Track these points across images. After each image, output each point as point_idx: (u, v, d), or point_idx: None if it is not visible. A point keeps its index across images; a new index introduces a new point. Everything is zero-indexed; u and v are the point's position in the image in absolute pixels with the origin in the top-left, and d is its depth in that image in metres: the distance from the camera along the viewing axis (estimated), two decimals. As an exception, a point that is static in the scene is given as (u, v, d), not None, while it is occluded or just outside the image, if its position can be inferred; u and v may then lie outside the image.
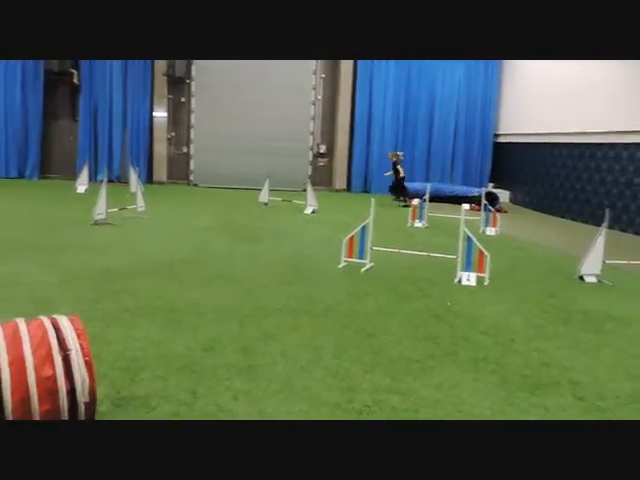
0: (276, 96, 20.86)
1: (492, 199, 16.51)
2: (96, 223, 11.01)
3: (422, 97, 21.48)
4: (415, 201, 14.32)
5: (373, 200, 8.38)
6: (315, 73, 21.48)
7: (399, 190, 18.33)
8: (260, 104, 20.80)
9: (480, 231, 12.44)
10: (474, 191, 18.37)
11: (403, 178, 18.26)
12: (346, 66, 21.19)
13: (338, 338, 5.44)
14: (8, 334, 3.11)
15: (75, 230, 10.45)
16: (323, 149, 21.88)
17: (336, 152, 21.79)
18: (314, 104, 21.64)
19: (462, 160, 21.89)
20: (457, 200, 17.38)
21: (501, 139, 21.50)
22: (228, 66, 20.52)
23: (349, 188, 21.75)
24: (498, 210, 14.90)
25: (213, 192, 19.28)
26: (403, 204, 17.37)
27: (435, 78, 21.46)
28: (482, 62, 21.35)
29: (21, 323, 3.22)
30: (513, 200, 19.91)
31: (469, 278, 7.92)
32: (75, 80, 19.93)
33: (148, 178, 20.09)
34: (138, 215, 12.33)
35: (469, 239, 7.96)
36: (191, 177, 21.32)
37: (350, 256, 8.62)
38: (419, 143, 21.68)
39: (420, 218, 13.46)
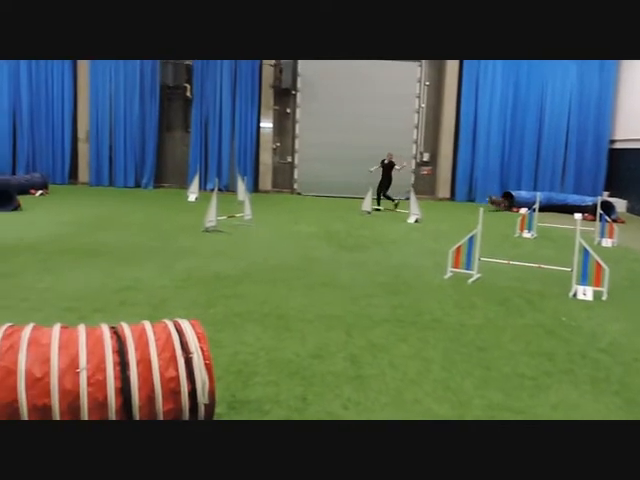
0: (380, 105, 20.90)
1: (607, 208, 15.60)
2: (207, 230, 11.47)
3: (531, 102, 20.73)
4: (523, 210, 13.82)
5: (482, 210, 8.16)
6: (420, 81, 21.31)
7: (382, 190, 17.28)
8: (364, 114, 20.93)
9: (595, 242, 11.78)
10: (587, 200, 17.47)
11: (389, 180, 17.29)
12: (451, 72, 20.85)
13: (447, 351, 5.33)
14: (136, 335, 3.29)
15: (187, 237, 10.94)
16: (426, 157, 21.63)
17: (439, 160, 21.46)
18: (418, 112, 21.47)
19: (574, 167, 20.90)
20: (568, 210, 16.62)
21: (617, 145, 20.31)
22: (333, 77, 20.87)
23: (453, 197, 21.34)
24: (615, 220, 14.05)
25: (316, 200, 19.55)
26: (392, 205, 16.73)
27: (545, 81, 20.66)
28: (596, 63, 20.31)
29: (147, 325, 3.39)
30: (631, 210, 18.71)
31: (585, 292, 7.51)
32: (188, 93, 20.95)
33: (254, 187, 20.70)
34: (245, 223, 12.72)
35: (585, 251, 7.56)
36: (295, 186, 21.74)
37: (457, 266, 8.43)
38: (527, 150, 20.93)
39: (529, 228, 12.95)
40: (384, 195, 17.10)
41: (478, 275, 8.28)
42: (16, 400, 3.02)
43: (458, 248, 8.42)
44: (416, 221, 14.52)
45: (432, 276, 8.44)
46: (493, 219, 14.92)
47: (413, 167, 21.69)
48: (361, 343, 5.43)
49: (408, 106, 21.38)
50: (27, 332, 3.27)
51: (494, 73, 20.64)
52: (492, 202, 17.85)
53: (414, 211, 14.73)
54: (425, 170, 21.74)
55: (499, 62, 20.47)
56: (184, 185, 20.19)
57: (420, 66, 21.23)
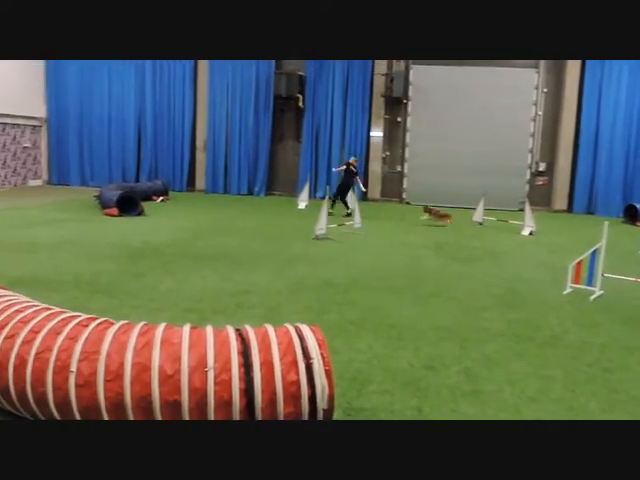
0: (493, 113, 20.39)
1: None
2: (317, 238, 11.66)
3: (660, 110, 19.38)
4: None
5: (606, 223, 7.71)
6: (537, 87, 20.53)
7: (341, 192, 16.65)
8: (476, 122, 20.50)
9: None
10: None
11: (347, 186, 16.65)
12: (571, 78, 19.92)
13: (568, 370, 5.07)
14: (259, 338, 3.40)
15: (298, 243, 11.17)
16: (542, 167, 20.77)
17: (557, 170, 20.53)
18: (534, 120, 20.68)
19: None
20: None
21: None
22: (445, 85, 20.63)
23: (570, 209, 20.33)
24: None
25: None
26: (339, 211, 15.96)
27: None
28: None
29: (270, 329, 3.50)
30: None
31: None
32: (300, 104, 21.42)
33: (363, 195, 20.76)
34: (355, 231, 12.79)
35: None
36: (404, 195, 21.61)
37: (577, 282, 8.02)
38: (656, 159, 19.54)
39: (657, 243, 12.08)
40: (341, 199, 16.60)
41: (601, 292, 7.82)
42: (149, 394, 3.22)
43: (579, 263, 8.01)
44: (530, 233, 13.96)
45: (549, 291, 8.08)
46: (616, 234, 14.06)
47: (528, 177, 20.92)
48: (476, 356, 5.30)
49: (524, 114, 20.64)
50: (160, 331, 3.47)
51: (619, 78, 19.47)
52: (427, 211, 15.26)
53: (528, 223, 14.17)
54: (541, 180, 20.88)
55: (625, 66, 19.30)
56: (294, 193, 20.65)
57: (538, 72, 20.45)
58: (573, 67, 19.87)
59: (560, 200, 20.48)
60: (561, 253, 10.81)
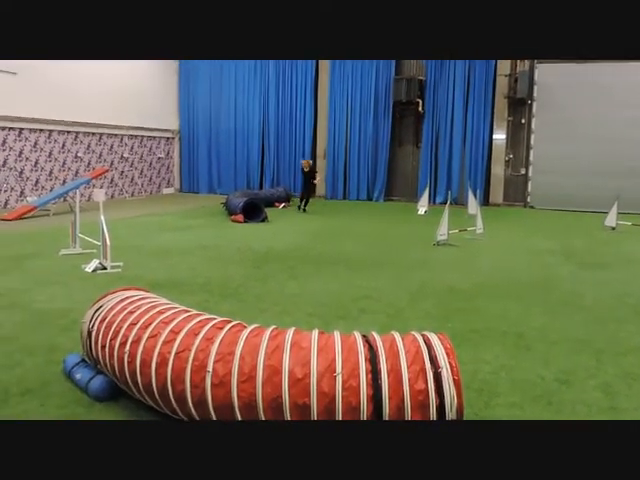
0: (624, 111, 19.03)
1: None
2: (438, 244, 11.49)
3: None
4: None
5: None
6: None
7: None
8: (604, 121, 19.25)
9: None
10: None
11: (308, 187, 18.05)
12: None
13: None
14: (386, 345, 3.41)
15: (419, 249, 11.07)
16: (683, 167, 19.12)
17: (702, 170, 18.81)
18: (676, 115, 19.09)
19: None
20: None
21: None
22: (571, 85, 19.67)
23: None
24: None
25: (552, 215, 18.42)
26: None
27: None
28: None
29: (397, 337, 3.50)
30: None
31: None
32: (420, 109, 21.23)
33: (484, 200, 20.22)
34: (477, 237, 12.47)
35: None
36: (528, 199, 20.75)
37: None
38: None
39: None
40: (305, 201, 17.74)
41: None
42: (280, 396, 3.33)
43: None
44: (672, 238, 12.91)
45: (696, 302, 7.42)
46: None
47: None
48: (614, 371, 4.97)
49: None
50: (290, 335, 3.59)
51: None
52: None
53: (670, 227, 13.12)
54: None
55: None
56: (413, 199, 20.49)
57: (673, 66, 18.88)
58: None
59: None
60: None
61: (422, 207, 17.66)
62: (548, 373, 4.87)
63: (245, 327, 3.86)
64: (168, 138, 24.57)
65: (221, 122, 23.96)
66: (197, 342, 3.70)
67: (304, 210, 17.59)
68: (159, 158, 24.08)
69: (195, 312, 4.20)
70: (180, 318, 4.01)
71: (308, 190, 18.05)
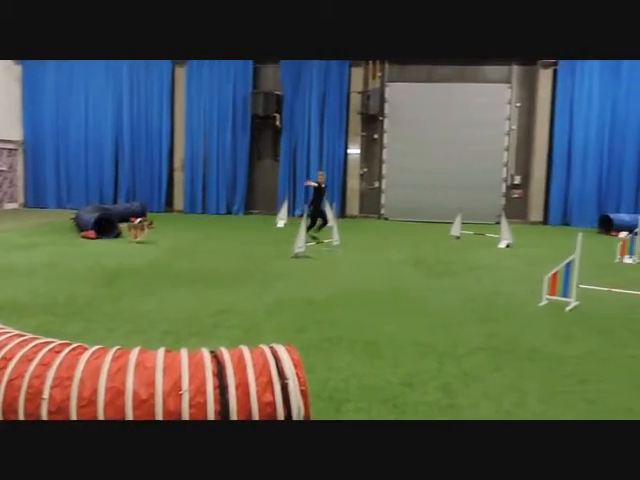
0: (468, 129, 20.69)
1: None
2: (296, 256, 11.66)
3: (630, 121, 19.81)
4: (623, 234, 13.15)
5: (580, 234, 7.83)
6: (510, 102, 20.91)
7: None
8: (452, 137, 20.80)
9: None
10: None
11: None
12: (543, 92, 20.33)
13: (545, 382, 5.12)
14: (234, 359, 3.39)
15: (277, 262, 11.17)
16: (518, 180, 21.08)
17: (532, 183, 20.85)
18: (508, 134, 21.03)
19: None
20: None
21: None
22: (420, 102, 20.97)
23: (546, 221, 20.63)
24: None
25: (403, 225, 19.44)
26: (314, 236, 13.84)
27: (645, 97, 19.70)
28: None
29: (245, 350, 3.49)
30: None
31: (696, 322, 7.02)
32: (277, 123, 21.53)
33: (341, 212, 20.88)
34: (333, 249, 12.83)
35: (696, 278, 7.08)
36: (382, 211, 21.75)
37: (553, 294, 8.12)
38: (627, 170, 19.96)
39: (631, 253, 12.27)
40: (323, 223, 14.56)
41: (576, 303, 7.92)
42: (123, 419, 3.19)
43: (554, 274, 8.11)
44: (507, 246, 14.13)
45: (526, 303, 8.16)
46: (590, 244, 14.27)
47: (504, 190, 21.22)
48: (454, 372, 5.32)
49: (498, 129, 21.01)
50: (134, 355, 3.45)
51: (590, 91, 19.91)
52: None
53: (505, 236, 14.34)
54: (516, 193, 21.19)
55: (595, 80, 19.78)
56: (273, 211, 20.68)
57: (510, 87, 20.85)
58: (545, 81, 20.29)
59: (536, 212, 20.78)
60: (538, 265, 10.93)
61: (281, 220, 17.87)
62: (395, 377, 5.10)
63: (86, 349, 3.66)
64: (11, 149, 22.79)
65: (71, 133, 22.62)
66: (31, 368, 3.45)
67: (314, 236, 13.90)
68: (1, 171, 22.26)
69: (31, 336, 3.91)
70: (13, 344, 3.71)
71: (323, 210, 14.61)
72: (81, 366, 3.40)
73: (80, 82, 22.40)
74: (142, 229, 13.61)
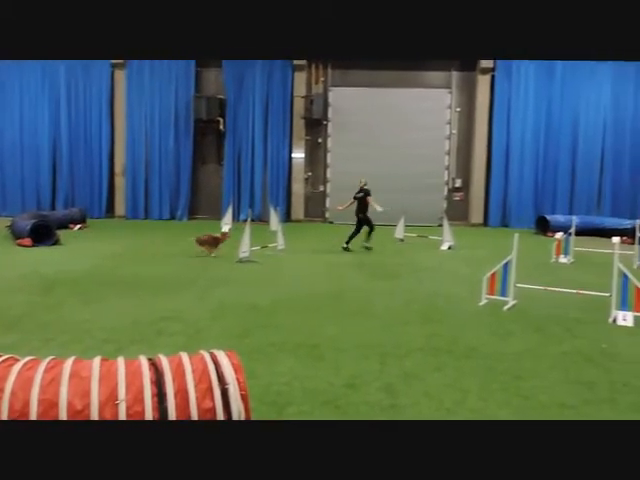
0: (410, 133, 21.06)
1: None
2: (240, 261, 11.59)
3: (564, 123, 20.62)
4: (559, 235, 13.62)
5: (517, 235, 8.08)
6: (450, 107, 21.39)
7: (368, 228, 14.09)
8: (394, 142, 21.12)
9: (635, 266, 11.52)
10: (625, 223, 17.15)
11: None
12: (482, 98, 20.90)
13: (483, 380, 5.25)
14: (173, 366, 3.34)
15: (221, 267, 11.07)
16: (459, 183, 21.57)
17: (472, 186, 21.38)
18: (449, 138, 21.51)
19: (610, 190, 20.61)
20: (606, 233, 16.32)
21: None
22: (363, 106, 21.19)
23: (486, 222, 21.18)
24: (654, 243, 13.69)
25: (348, 229, 19.52)
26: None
27: (578, 104, 20.57)
28: (632, 80, 20.18)
29: (184, 357, 3.45)
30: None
31: (625, 318, 7.34)
32: (221, 127, 21.37)
33: (286, 217, 20.87)
34: (278, 253, 12.82)
35: (624, 275, 7.41)
36: (327, 215, 21.85)
37: (492, 293, 8.34)
38: (562, 172, 20.76)
39: (565, 253, 12.73)
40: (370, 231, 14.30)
41: (514, 302, 8.17)
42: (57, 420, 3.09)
43: (493, 275, 8.34)
44: (449, 248, 14.44)
45: (467, 304, 8.36)
46: (528, 245, 14.73)
47: (445, 193, 21.69)
48: (396, 372, 5.40)
49: (439, 133, 21.46)
50: (68, 365, 3.35)
51: (526, 96, 20.61)
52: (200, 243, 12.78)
53: (447, 238, 14.66)
54: (457, 196, 21.68)
55: (531, 85, 20.51)
56: (218, 216, 20.45)
57: (450, 92, 21.34)
58: (483, 86, 20.86)
59: (476, 214, 21.31)
60: (478, 266, 11.19)
61: (226, 225, 17.68)
62: (337, 379, 5.14)
63: (18, 360, 3.53)
64: (-60, 154, 21.81)
65: (5, 136, 21.79)
66: (-41, 382, 3.31)
67: (346, 248, 13.74)
68: None
69: (-42, 349, 3.76)
70: (-62, 357, 3.55)
71: (367, 217, 14.11)
72: (12, 378, 3.28)
73: (14, 82, 21.61)
74: (216, 245, 12.64)
